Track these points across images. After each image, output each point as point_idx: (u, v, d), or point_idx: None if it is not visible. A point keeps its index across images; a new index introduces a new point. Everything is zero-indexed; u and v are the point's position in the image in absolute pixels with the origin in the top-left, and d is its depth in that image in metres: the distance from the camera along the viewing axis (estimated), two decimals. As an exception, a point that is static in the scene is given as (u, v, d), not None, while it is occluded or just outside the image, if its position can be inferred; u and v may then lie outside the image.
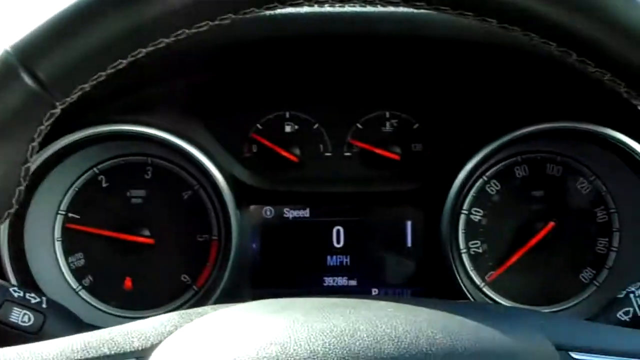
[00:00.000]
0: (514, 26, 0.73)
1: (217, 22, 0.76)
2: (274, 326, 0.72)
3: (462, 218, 1.74)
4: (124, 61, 0.76)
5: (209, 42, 1.49)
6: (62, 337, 0.75)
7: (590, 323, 1.15)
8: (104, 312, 1.72)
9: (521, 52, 1.50)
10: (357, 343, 0.67)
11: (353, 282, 1.76)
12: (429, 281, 1.74)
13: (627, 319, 1.36)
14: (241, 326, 0.74)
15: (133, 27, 0.73)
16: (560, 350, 0.73)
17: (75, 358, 0.71)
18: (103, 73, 0.76)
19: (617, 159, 1.70)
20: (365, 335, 0.68)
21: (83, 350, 0.72)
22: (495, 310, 0.97)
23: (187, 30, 0.77)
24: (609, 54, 0.72)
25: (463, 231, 1.74)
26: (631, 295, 1.37)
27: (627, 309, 1.36)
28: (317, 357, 0.66)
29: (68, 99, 0.77)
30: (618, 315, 1.37)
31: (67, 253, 1.69)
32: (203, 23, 0.76)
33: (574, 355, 0.74)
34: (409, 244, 1.74)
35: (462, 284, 1.67)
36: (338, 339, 0.68)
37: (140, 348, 0.73)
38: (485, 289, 1.75)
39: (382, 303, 0.79)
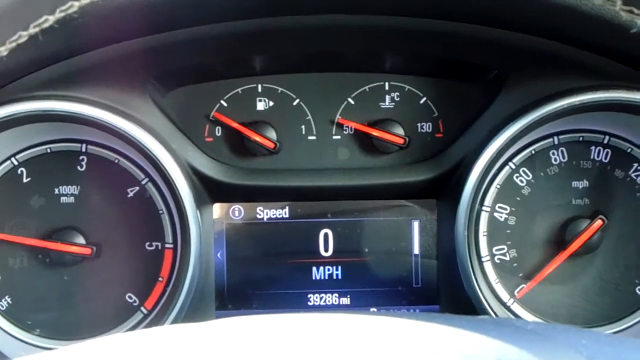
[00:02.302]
0: None
1: None
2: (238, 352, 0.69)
3: (484, 217, 1.53)
4: (51, 18, 0.73)
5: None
6: None
7: None
8: (24, 342, 1.51)
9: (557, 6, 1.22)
10: None
11: (345, 300, 1.55)
12: (441, 298, 1.54)
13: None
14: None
15: None
16: None
17: None
18: (24, 33, 0.71)
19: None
20: None
21: None
22: (524, 328, 0.89)
23: None
24: None
25: (485, 233, 1.53)
26: None
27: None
28: None
29: None
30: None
31: None
32: None
33: None
34: (416, 250, 1.54)
35: (484, 301, 1.46)
36: None
37: None
38: (513, 307, 1.53)
39: (383, 319, 0.75)
